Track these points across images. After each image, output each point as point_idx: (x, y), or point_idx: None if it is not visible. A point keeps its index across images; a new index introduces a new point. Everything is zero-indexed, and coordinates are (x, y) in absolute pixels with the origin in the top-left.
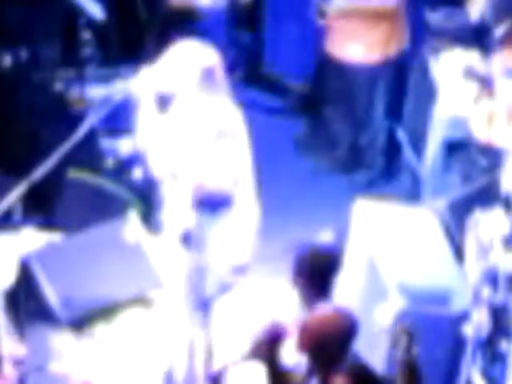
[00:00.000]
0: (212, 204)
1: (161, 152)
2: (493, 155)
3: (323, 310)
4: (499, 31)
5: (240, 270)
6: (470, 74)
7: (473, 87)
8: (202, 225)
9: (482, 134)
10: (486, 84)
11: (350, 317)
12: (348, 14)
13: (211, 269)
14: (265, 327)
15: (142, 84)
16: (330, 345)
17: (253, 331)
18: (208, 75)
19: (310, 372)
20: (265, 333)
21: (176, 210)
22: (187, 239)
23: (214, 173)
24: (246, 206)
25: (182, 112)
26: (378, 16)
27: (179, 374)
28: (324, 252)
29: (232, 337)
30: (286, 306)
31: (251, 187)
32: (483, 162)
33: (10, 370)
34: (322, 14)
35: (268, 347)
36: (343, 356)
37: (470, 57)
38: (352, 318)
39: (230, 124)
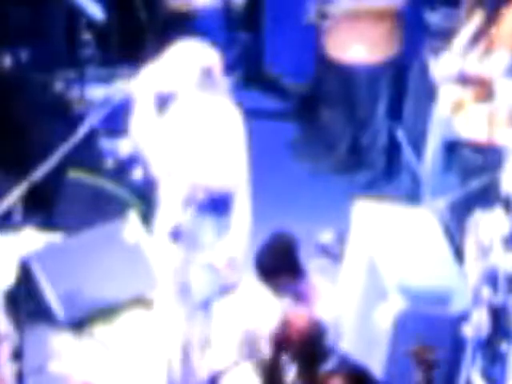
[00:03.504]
0: (211, 203)
1: (158, 151)
2: (486, 155)
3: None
4: (470, 28)
5: (233, 267)
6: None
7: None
8: (197, 223)
9: (480, 134)
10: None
11: (316, 322)
12: (352, 15)
13: (207, 267)
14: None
15: (141, 84)
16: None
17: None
18: (207, 75)
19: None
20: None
21: (170, 208)
22: (176, 236)
23: (213, 172)
24: (242, 205)
25: (181, 112)
26: (380, 16)
27: (177, 374)
28: (280, 237)
29: (230, 337)
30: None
31: (246, 186)
32: (478, 161)
33: (7, 371)
34: (324, 15)
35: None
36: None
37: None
38: (318, 325)
39: (228, 124)
